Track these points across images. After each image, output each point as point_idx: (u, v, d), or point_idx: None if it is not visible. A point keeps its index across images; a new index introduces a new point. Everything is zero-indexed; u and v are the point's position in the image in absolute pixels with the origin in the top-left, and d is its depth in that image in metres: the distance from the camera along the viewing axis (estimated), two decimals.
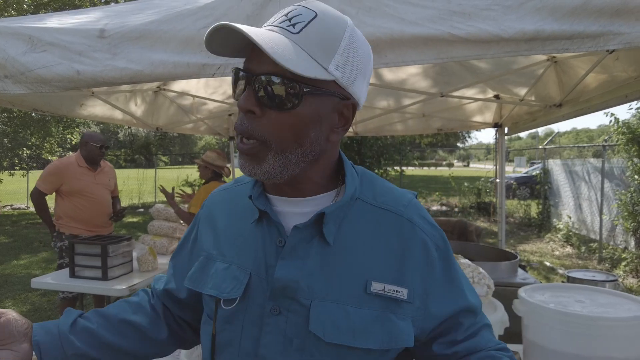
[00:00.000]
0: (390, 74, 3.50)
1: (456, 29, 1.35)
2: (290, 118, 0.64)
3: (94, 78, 1.69)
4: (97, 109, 3.34)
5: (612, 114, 5.97)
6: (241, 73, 0.66)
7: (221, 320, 0.73)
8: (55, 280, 2.93)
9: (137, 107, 3.72)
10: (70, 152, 12.28)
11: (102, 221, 3.64)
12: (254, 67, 0.65)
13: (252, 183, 0.78)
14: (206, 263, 0.79)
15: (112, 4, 10.60)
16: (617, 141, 6.15)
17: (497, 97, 3.54)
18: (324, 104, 0.66)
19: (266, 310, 0.70)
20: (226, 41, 0.65)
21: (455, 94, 3.48)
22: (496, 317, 1.39)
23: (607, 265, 6.36)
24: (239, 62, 1.66)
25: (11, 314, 0.72)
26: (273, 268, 0.70)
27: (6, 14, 9.61)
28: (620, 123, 5.79)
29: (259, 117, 0.65)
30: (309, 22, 0.63)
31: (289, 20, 0.64)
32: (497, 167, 4.66)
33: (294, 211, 0.73)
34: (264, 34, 0.61)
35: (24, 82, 1.78)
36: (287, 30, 0.63)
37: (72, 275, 2.93)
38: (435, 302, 0.74)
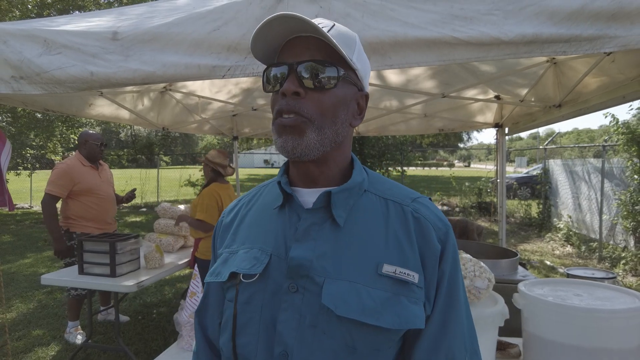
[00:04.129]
0: (393, 76, 3.56)
1: (458, 32, 1.41)
2: (330, 98, 0.75)
3: (107, 79, 1.75)
4: (105, 108, 3.40)
5: (612, 115, 6.02)
6: (281, 66, 0.76)
7: (242, 300, 0.77)
8: (65, 277, 2.99)
9: (143, 107, 3.78)
10: (73, 153, 12.38)
11: (110, 217, 3.71)
12: (292, 58, 0.75)
13: (275, 179, 0.85)
14: (228, 257, 0.83)
15: (116, 5, 10.66)
16: (616, 141, 6.19)
17: (497, 97, 3.59)
18: (350, 91, 0.79)
19: (284, 287, 0.74)
20: (266, 37, 0.76)
21: (456, 94, 3.53)
22: (497, 309, 1.44)
23: (607, 264, 6.40)
24: (246, 65, 1.73)
25: None
26: (291, 247, 0.76)
27: (10, 14, 9.67)
28: (619, 123, 5.84)
29: (302, 97, 0.74)
30: (332, 27, 0.77)
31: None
32: (498, 167, 4.71)
33: (311, 200, 0.79)
34: (317, 25, 0.73)
35: (39, 83, 1.84)
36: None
37: (81, 272, 2.99)
38: (432, 294, 0.76)
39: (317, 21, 0.76)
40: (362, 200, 0.79)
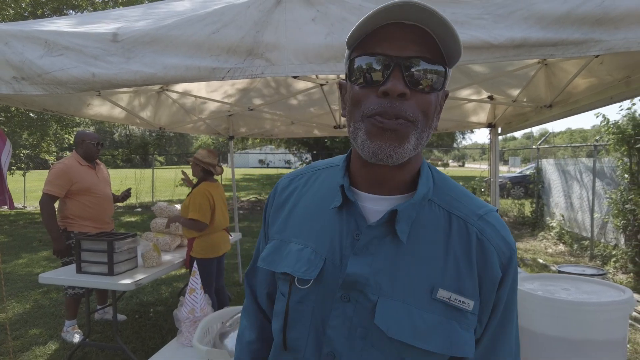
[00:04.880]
0: None
1: None
2: (433, 99, 0.68)
3: (108, 80, 1.78)
4: (102, 108, 3.42)
5: (603, 115, 6.11)
6: (382, 58, 0.66)
7: (294, 299, 0.77)
8: (62, 276, 3.01)
9: (140, 107, 3.81)
10: (68, 153, 12.28)
11: (108, 217, 3.73)
12: (394, 51, 0.66)
13: (337, 172, 0.80)
14: (280, 245, 0.82)
15: (111, 4, 10.64)
16: (607, 141, 6.29)
17: (491, 98, 3.66)
18: (442, 91, 0.72)
19: (337, 296, 0.73)
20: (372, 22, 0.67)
21: (451, 95, 3.59)
22: None
23: (598, 262, 6.50)
24: (245, 67, 1.77)
25: None
26: (347, 259, 0.73)
27: (4, 12, 9.62)
28: (610, 124, 5.93)
29: (408, 99, 0.66)
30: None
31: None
32: (491, 166, 4.78)
33: (374, 208, 0.75)
34: (446, 19, 0.65)
35: (41, 84, 1.87)
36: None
37: (79, 271, 3.01)
38: (486, 319, 0.75)
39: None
40: (425, 212, 0.74)
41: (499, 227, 0.75)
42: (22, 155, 13.07)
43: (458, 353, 0.70)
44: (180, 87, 3.72)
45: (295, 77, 2.58)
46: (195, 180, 3.62)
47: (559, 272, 2.89)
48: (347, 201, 0.76)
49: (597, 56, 2.17)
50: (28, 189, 14.56)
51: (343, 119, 4.07)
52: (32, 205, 13.57)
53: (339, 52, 1.55)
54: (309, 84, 3.62)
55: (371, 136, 0.68)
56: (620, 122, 5.89)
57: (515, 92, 3.36)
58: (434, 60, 0.66)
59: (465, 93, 3.76)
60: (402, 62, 0.65)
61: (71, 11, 11.05)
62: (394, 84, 0.65)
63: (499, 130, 4.41)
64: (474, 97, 3.79)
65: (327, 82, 3.07)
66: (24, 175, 13.86)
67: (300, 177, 0.88)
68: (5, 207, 2.59)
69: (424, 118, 0.68)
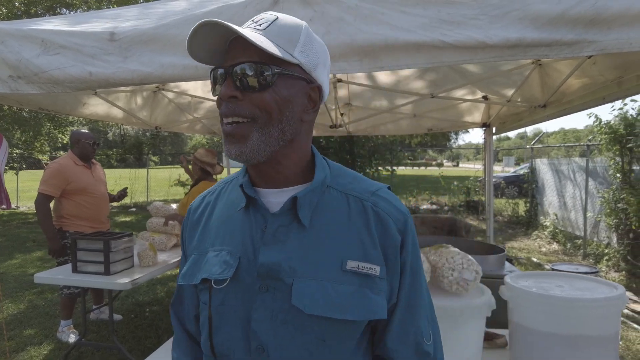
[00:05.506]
0: (384, 76, 3.63)
1: (446, 36, 1.47)
2: (270, 96, 0.75)
3: (105, 79, 1.79)
4: (98, 107, 3.42)
5: (595, 115, 6.18)
6: (219, 70, 0.77)
7: (216, 303, 0.80)
8: (58, 275, 3.00)
9: (136, 106, 3.80)
10: (61, 152, 12.21)
11: (104, 216, 3.72)
12: (229, 62, 0.76)
13: (239, 176, 0.87)
14: (198, 258, 0.85)
15: (105, 3, 10.58)
16: (600, 141, 6.35)
17: (485, 98, 3.69)
18: (294, 86, 0.77)
19: (255, 288, 0.78)
20: (205, 41, 0.76)
21: (445, 95, 3.62)
22: (484, 299, 1.51)
23: (591, 260, 6.57)
24: None
25: None
26: (259, 251, 0.78)
27: None
28: (602, 124, 5.99)
29: (240, 100, 0.74)
30: (272, 22, 0.76)
31: (256, 22, 0.77)
32: (485, 166, 4.81)
33: (276, 200, 0.81)
34: (240, 30, 0.73)
35: (37, 83, 1.87)
36: (255, 29, 0.75)
37: (75, 270, 3.00)
38: (396, 283, 0.82)
39: (260, 16, 0.78)
40: (325, 197, 0.81)
41: (390, 199, 0.84)
42: (15, 154, 12.96)
43: (373, 316, 0.77)
44: (176, 86, 3.72)
45: None
46: (190, 182, 3.63)
47: (553, 270, 2.91)
48: (251, 200, 0.82)
49: (590, 57, 2.20)
50: (21, 189, 14.44)
51: (339, 118, 4.09)
52: (26, 205, 13.48)
53: (335, 51, 1.56)
54: None
55: (225, 139, 0.77)
56: (612, 122, 5.95)
57: (509, 92, 3.39)
58: (260, 62, 0.74)
59: (459, 93, 3.79)
60: (230, 70, 0.74)
61: (65, 10, 10.98)
62: (225, 89, 0.74)
63: (494, 130, 4.45)
64: (469, 97, 3.82)
65: None
66: (16, 174, 13.74)
67: (211, 193, 0.94)
68: (3, 206, 2.58)
69: (265, 113, 0.75)
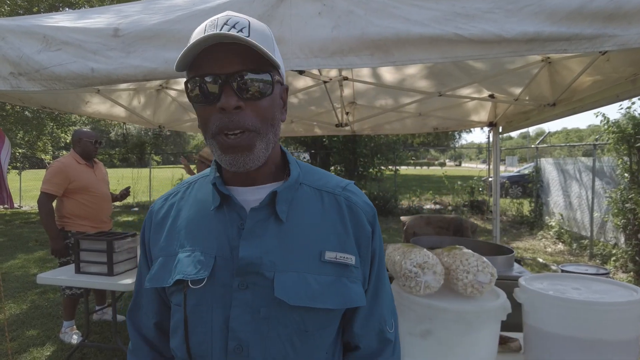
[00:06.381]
0: (389, 74, 3.58)
1: (460, 29, 1.42)
2: (267, 103, 0.75)
3: (108, 76, 1.74)
4: (101, 106, 3.38)
5: (603, 114, 6.11)
6: (211, 77, 0.72)
7: (191, 303, 0.79)
8: (61, 276, 2.96)
9: (139, 105, 3.76)
10: (64, 152, 12.19)
11: (106, 216, 3.69)
12: (221, 69, 0.72)
13: (206, 176, 0.87)
14: (166, 261, 0.83)
15: (108, 1, 10.57)
16: (607, 140, 6.29)
17: (492, 96, 3.63)
18: (278, 89, 0.80)
19: (234, 286, 0.77)
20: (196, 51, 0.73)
21: (451, 93, 3.57)
22: (499, 303, 1.46)
23: (598, 261, 6.50)
24: None
25: None
26: (237, 249, 0.78)
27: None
28: (610, 122, 5.93)
29: (244, 110, 0.73)
30: (249, 26, 0.73)
31: (232, 26, 0.72)
32: (491, 165, 4.76)
33: (251, 198, 0.81)
34: (262, 47, 0.71)
35: (38, 80, 1.83)
36: (242, 33, 0.71)
37: (78, 271, 2.96)
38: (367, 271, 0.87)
39: (231, 19, 0.73)
40: (299, 193, 0.84)
41: (359, 194, 0.89)
42: (17, 154, 12.96)
43: (353, 304, 0.81)
44: (179, 84, 3.68)
45: (301, 73, 2.54)
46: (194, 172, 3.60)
47: (562, 271, 2.86)
48: (224, 199, 0.82)
49: (603, 53, 2.15)
50: (24, 189, 14.45)
51: (345, 117, 4.04)
52: (28, 205, 13.48)
53: (345, 45, 1.51)
54: (309, 82, 3.58)
55: (225, 151, 0.75)
56: (620, 121, 5.88)
57: (517, 91, 3.33)
58: (258, 70, 0.73)
59: (466, 92, 3.73)
60: (230, 78, 0.71)
61: (67, 9, 10.97)
62: (227, 99, 0.71)
63: (500, 129, 4.39)
64: (475, 96, 3.76)
65: (330, 79, 3.03)
66: (19, 174, 13.75)
67: (174, 194, 0.92)
68: (6, 205, 2.55)
69: (263, 123, 0.75)
